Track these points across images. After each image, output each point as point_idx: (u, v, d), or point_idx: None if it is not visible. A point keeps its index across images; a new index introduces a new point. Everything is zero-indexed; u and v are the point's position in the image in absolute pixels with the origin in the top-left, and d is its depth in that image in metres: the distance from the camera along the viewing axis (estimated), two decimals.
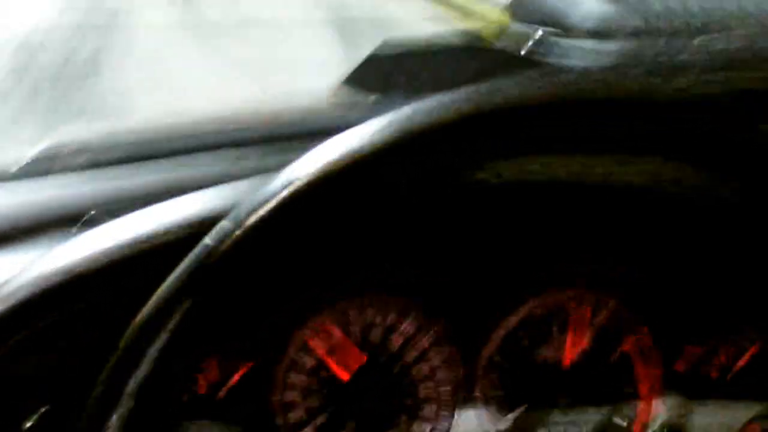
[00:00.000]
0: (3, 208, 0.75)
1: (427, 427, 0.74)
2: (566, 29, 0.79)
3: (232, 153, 0.79)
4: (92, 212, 0.72)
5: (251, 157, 0.78)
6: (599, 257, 0.73)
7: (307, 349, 0.72)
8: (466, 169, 0.60)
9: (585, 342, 0.74)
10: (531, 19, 0.84)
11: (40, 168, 0.81)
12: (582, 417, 0.75)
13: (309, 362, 0.72)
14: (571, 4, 0.80)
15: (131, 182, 0.76)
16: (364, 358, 0.72)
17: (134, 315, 0.56)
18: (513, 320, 0.74)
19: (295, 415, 0.73)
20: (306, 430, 0.73)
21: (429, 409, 0.74)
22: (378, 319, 0.72)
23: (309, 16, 5.02)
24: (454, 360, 0.74)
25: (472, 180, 0.61)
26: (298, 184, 0.56)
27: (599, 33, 0.76)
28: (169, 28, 4.72)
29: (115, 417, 0.55)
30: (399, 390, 0.74)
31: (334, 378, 0.73)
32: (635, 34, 0.75)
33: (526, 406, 0.74)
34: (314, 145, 0.57)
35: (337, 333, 0.72)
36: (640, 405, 0.76)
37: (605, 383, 0.75)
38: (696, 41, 0.74)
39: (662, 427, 0.75)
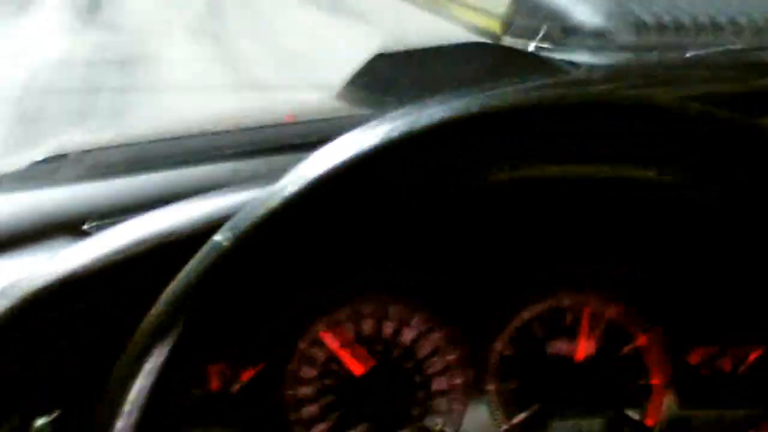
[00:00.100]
0: (5, 214, 0.75)
1: (439, 421, 0.74)
2: (569, 26, 0.79)
3: (234, 160, 0.79)
4: (93, 220, 0.72)
5: (252, 164, 0.78)
6: (603, 258, 0.73)
7: (319, 344, 0.72)
8: (470, 170, 0.59)
9: (597, 337, 0.74)
10: (534, 16, 0.84)
11: (42, 175, 0.81)
12: (594, 410, 0.75)
13: (321, 356, 0.73)
14: (575, 1, 0.80)
15: (132, 189, 0.76)
16: (376, 357, 0.73)
17: (134, 315, 0.56)
18: (525, 315, 0.74)
19: (308, 411, 0.73)
20: (320, 425, 0.73)
21: (441, 403, 0.74)
22: (390, 315, 0.73)
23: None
24: (466, 354, 0.74)
25: (476, 181, 0.60)
26: (303, 184, 0.56)
27: (602, 30, 0.76)
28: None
29: (122, 424, 0.55)
30: (411, 384, 0.74)
31: (347, 372, 0.73)
32: (637, 32, 0.74)
33: (539, 401, 0.74)
34: (317, 150, 0.57)
35: (349, 329, 0.73)
36: (653, 398, 0.75)
37: (618, 376, 0.75)
38: (697, 40, 0.73)
39: (674, 420, 0.75)
